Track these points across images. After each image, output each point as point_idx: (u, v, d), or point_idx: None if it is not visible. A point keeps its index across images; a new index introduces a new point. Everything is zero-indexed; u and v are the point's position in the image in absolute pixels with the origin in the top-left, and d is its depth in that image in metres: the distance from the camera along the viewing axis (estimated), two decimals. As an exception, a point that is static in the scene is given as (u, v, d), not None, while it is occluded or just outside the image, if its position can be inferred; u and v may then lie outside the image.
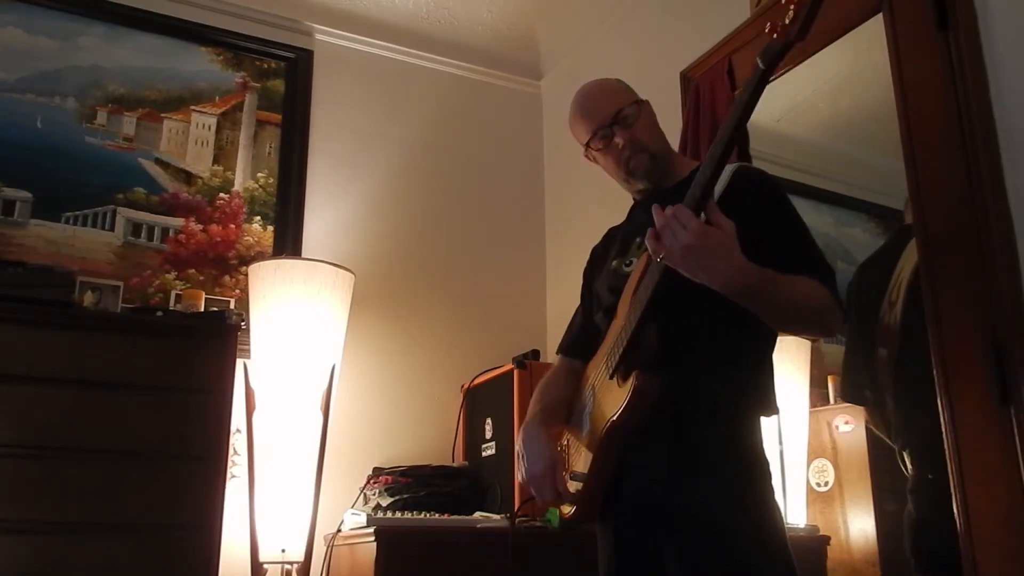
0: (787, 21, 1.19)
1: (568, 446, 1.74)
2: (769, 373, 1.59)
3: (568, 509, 1.65)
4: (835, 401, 2.88)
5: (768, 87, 2.38)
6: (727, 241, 1.33)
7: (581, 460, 1.62)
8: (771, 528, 1.45)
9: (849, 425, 2.78)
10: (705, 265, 1.32)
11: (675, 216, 1.32)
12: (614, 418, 1.47)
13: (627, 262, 1.66)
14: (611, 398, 1.50)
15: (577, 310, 1.91)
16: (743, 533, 1.42)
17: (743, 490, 1.46)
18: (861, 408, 2.70)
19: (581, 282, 1.89)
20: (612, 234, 1.86)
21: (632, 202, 1.83)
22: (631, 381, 1.44)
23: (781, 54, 1.23)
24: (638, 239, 1.66)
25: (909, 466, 2.30)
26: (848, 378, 2.66)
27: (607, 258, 1.78)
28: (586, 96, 1.74)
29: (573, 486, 1.61)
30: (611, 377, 1.52)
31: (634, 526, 1.53)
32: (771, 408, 1.57)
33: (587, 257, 1.92)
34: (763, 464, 1.50)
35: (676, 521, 1.45)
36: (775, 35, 1.21)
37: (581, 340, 1.79)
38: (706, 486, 1.44)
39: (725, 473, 1.46)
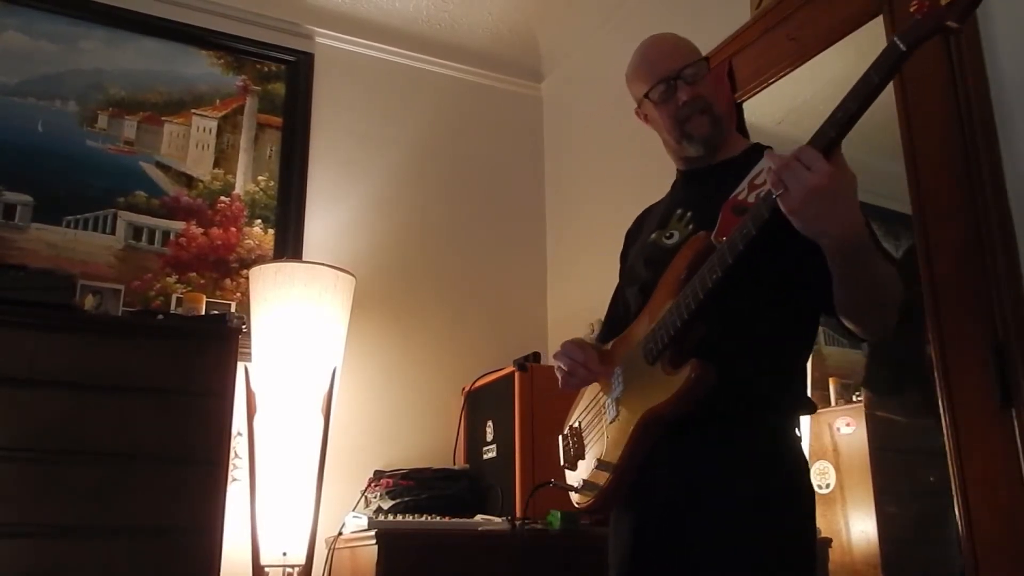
0: (943, 1, 1.08)
1: (580, 430, 1.67)
2: (805, 370, 1.53)
3: (583, 499, 1.57)
4: (836, 403, 2.88)
5: (768, 89, 2.41)
6: (851, 190, 1.21)
7: (601, 448, 1.55)
8: (802, 537, 1.39)
9: (850, 427, 2.77)
10: (827, 211, 1.18)
11: (799, 157, 1.18)
12: (661, 407, 1.39)
13: (667, 234, 1.56)
14: (655, 386, 1.41)
15: (614, 299, 1.81)
16: (773, 541, 1.35)
17: (783, 495, 1.39)
18: (861, 409, 2.70)
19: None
20: (646, 213, 1.77)
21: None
22: (687, 370, 1.34)
23: (928, 37, 1.11)
24: (679, 210, 1.58)
25: None
26: (878, 373, 2.63)
27: (641, 233, 1.69)
28: (652, 46, 1.64)
29: (597, 475, 1.53)
30: (652, 363, 1.43)
31: (662, 521, 1.44)
32: (810, 405, 1.51)
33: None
34: (803, 463, 1.45)
35: (712, 523, 1.38)
36: (920, 15, 1.10)
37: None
38: (748, 489, 1.37)
39: (768, 477, 1.38)
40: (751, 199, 1.35)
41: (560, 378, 1.61)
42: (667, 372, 1.39)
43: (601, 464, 1.52)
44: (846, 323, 1.39)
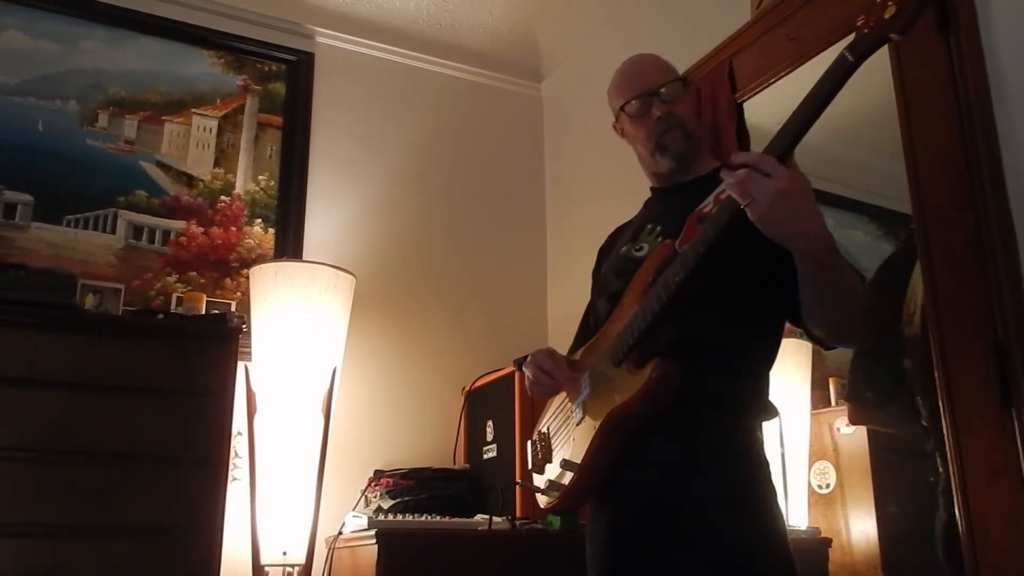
0: (887, 16, 1.15)
1: (548, 435, 1.70)
2: (768, 377, 1.57)
3: (548, 499, 1.61)
4: (836, 403, 2.88)
5: (768, 89, 2.41)
6: (811, 194, 1.25)
7: (568, 451, 1.58)
8: (775, 529, 1.44)
9: (850, 427, 2.78)
10: (794, 213, 1.22)
11: (759, 164, 1.22)
12: (625, 406, 1.42)
13: (637, 247, 1.62)
14: (621, 386, 1.45)
15: (586, 313, 1.86)
16: (749, 534, 1.41)
17: (752, 491, 1.45)
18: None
19: (590, 284, 1.86)
20: (620, 230, 1.83)
21: (642, 198, 1.81)
22: (650, 370, 1.39)
23: (875, 49, 1.18)
24: (649, 225, 1.63)
25: (940, 469, 2.30)
26: (859, 383, 2.65)
27: (614, 249, 1.75)
28: (633, 63, 1.70)
29: (563, 476, 1.55)
30: (619, 365, 1.47)
31: (633, 523, 1.49)
32: (773, 411, 1.56)
33: (589, 259, 1.90)
34: (767, 465, 1.50)
35: (685, 519, 1.42)
36: (867, 28, 1.17)
37: None
38: (718, 486, 1.42)
39: (736, 473, 1.44)
40: (715, 212, 1.38)
41: (528, 386, 1.68)
42: (631, 373, 1.43)
43: (567, 464, 1.55)
44: (813, 329, 1.44)
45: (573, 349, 1.80)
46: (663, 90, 1.61)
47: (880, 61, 1.97)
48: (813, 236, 1.25)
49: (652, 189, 1.76)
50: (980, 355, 1.67)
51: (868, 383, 2.61)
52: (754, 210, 1.23)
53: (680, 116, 1.62)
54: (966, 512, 1.66)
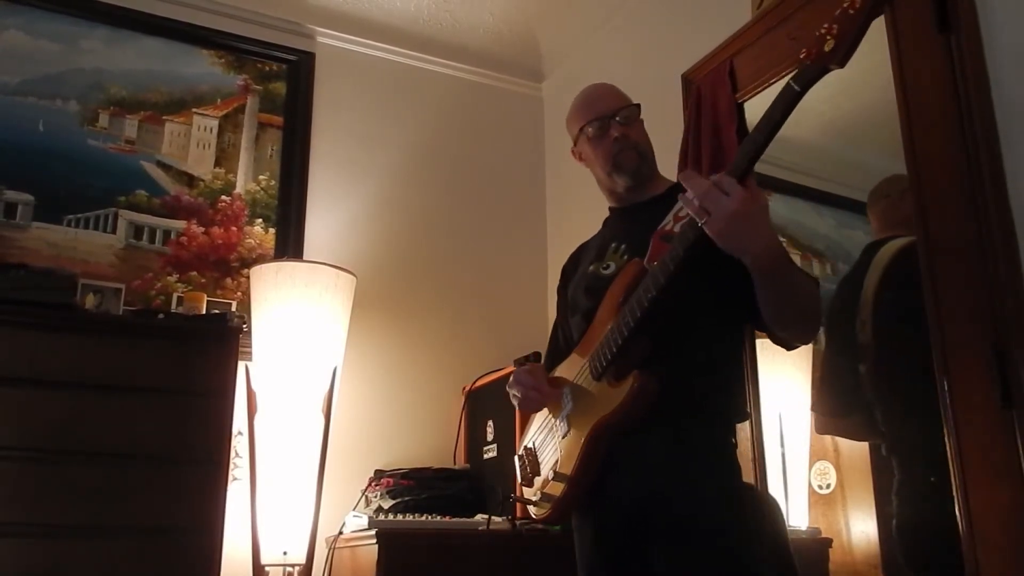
0: (827, 49, 1.22)
1: (534, 450, 1.75)
2: (740, 378, 1.65)
3: (540, 510, 1.66)
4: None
5: (768, 89, 2.42)
6: (764, 212, 1.37)
7: (555, 463, 1.63)
8: (775, 530, 1.47)
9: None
10: (746, 232, 1.33)
11: (718, 184, 1.33)
12: (608, 417, 1.48)
13: (604, 266, 1.69)
14: (602, 398, 1.52)
15: (555, 330, 1.94)
16: (749, 534, 1.44)
17: (741, 491, 1.50)
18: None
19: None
20: (582, 249, 1.90)
21: (605, 215, 1.87)
22: (630, 381, 1.46)
23: (817, 79, 1.26)
24: (613, 244, 1.70)
25: (896, 471, 2.32)
26: (823, 394, 2.67)
27: (579, 267, 1.82)
28: (590, 91, 1.81)
29: (554, 487, 1.61)
30: (598, 379, 1.54)
31: (620, 524, 1.53)
32: (745, 413, 1.64)
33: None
34: (739, 467, 1.56)
35: (670, 521, 1.46)
36: (809, 60, 1.25)
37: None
38: (709, 487, 1.47)
39: (722, 474, 1.50)
40: (677, 229, 1.48)
41: (516, 404, 1.76)
42: (611, 385, 1.51)
43: (557, 476, 1.61)
44: (776, 331, 1.52)
45: (546, 367, 1.85)
46: (619, 116, 1.71)
47: (880, 61, 1.97)
48: (762, 252, 1.35)
49: (611, 209, 1.84)
50: (981, 357, 1.67)
51: (831, 394, 2.63)
52: (710, 226, 1.33)
53: (635, 138, 1.72)
54: (966, 513, 1.66)
